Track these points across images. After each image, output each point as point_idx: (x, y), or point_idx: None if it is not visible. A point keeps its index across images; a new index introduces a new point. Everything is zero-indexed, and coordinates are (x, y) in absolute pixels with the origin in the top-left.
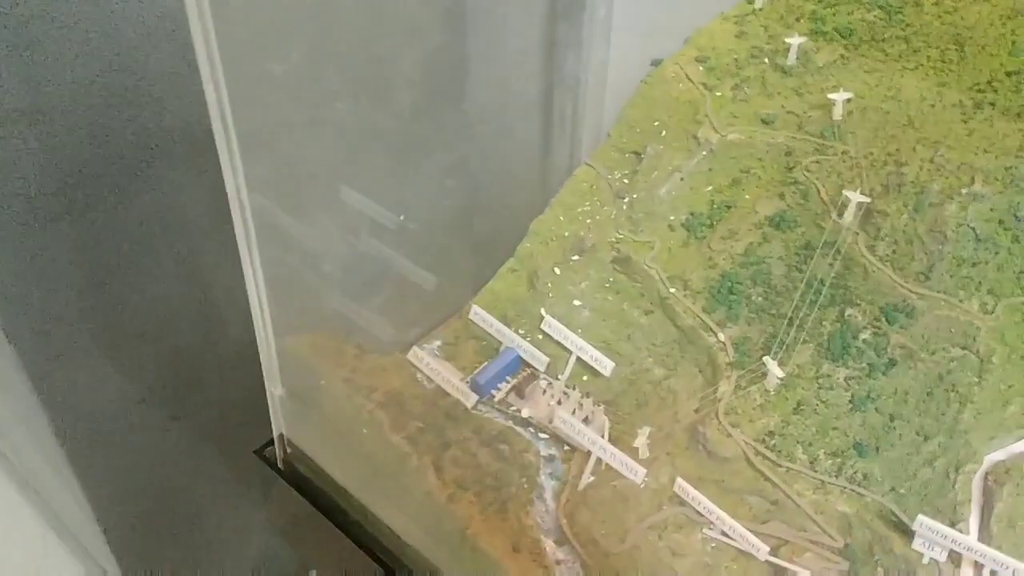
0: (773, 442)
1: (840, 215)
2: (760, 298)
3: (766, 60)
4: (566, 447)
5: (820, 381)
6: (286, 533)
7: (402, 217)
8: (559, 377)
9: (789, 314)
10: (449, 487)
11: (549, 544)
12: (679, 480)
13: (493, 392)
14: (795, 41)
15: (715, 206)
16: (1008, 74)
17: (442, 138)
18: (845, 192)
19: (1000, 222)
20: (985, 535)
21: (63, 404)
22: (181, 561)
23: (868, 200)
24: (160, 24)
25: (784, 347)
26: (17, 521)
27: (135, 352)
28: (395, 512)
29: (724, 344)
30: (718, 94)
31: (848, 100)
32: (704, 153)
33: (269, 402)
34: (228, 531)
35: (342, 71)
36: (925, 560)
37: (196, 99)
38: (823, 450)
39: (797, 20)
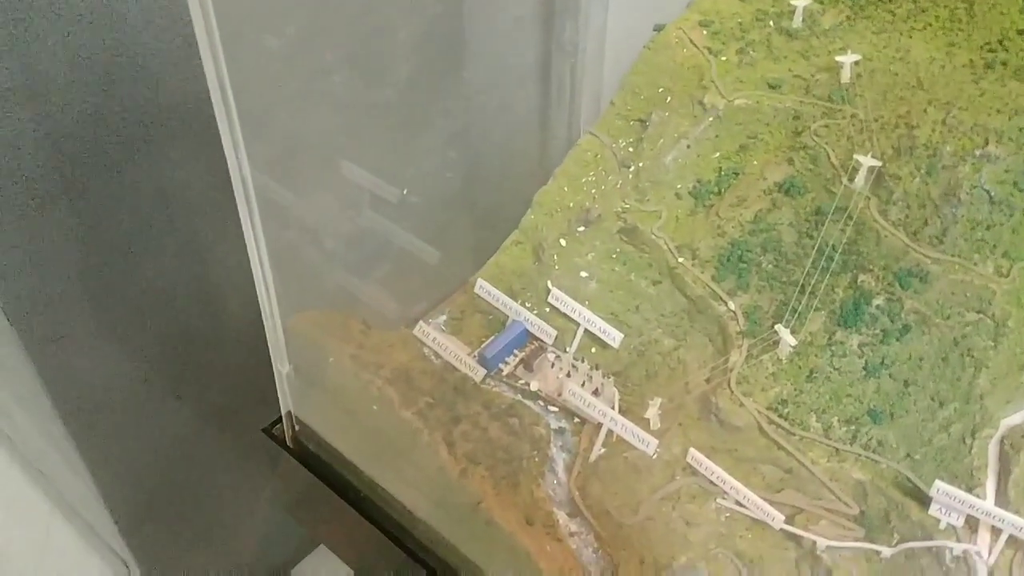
0: (786, 410)
1: (851, 180)
2: (771, 266)
3: (771, 23)
4: (576, 419)
5: (833, 348)
6: (295, 510)
7: (404, 191)
8: (567, 350)
9: (801, 281)
10: (461, 462)
11: (562, 516)
12: (691, 450)
13: (501, 366)
14: (800, 3)
15: (723, 173)
16: (1019, 32)
17: (441, 110)
18: (855, 156)
19: (1015, 183)
20: (1002, 500)
21: (67, 386)
22: (190, 539)
23: (879, 164)
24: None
25: (796, 315)
26: (23, 502)
27: (138, 332)
28: (406, 488)
29: (735, 313)
30: (723, 59)
31: (856, 62)
32: (710, 119)
33: (276, 380)
34: (237, 508)
35: (339, 44)
36: (942, 526)
37: (194, 76)
38: (837, 417)
39: None
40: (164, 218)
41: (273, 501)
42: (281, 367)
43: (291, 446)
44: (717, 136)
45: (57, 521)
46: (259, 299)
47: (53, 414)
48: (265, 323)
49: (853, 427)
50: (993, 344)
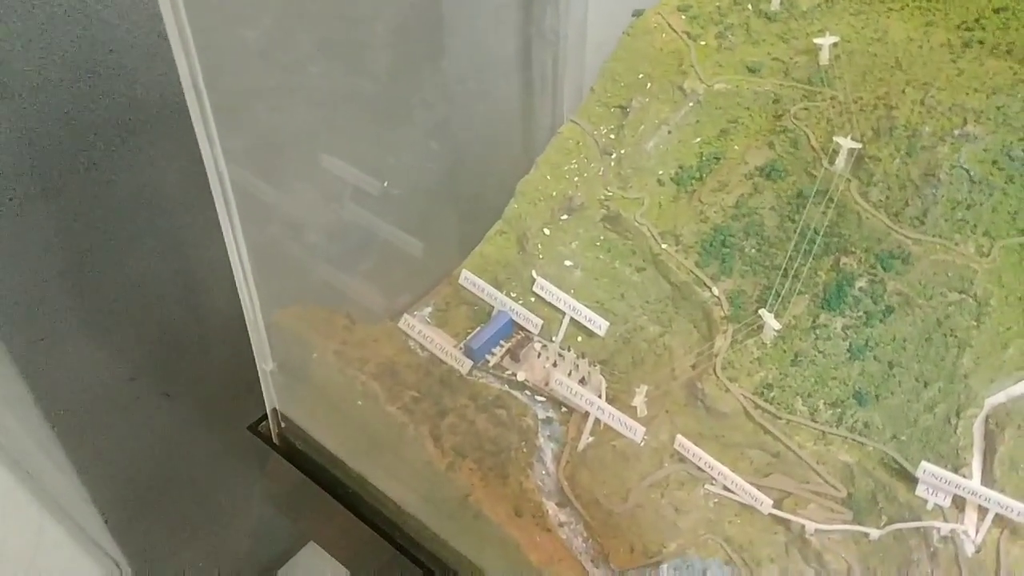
0: (772, 395)
1: (831, 162)
2: (753, 250)
3: (749, 6)
4: (563, 409)
5: (817, 331)
6: (284, 507)
7: (385, 183)
8: (553, 339)
9: (784, 265)
10: (448, 455)
11: (551, 507)
12: (679, 437)
13: (487, 357)
14: None
15: (704, 158)
16: (995, 10)
17: (421, 100)
18: (835, 138)
19: (994, 162)
20: (988, 479)
21: (51, 386)
22: (180, 537)
23: (859, 146)
24: None
25: (780, 299)
26: (12, 504)
27: (121, 331)
28: (394, 482)
29: (719, 298)
30: (702, 43)
31: (834, 44)
32: (691, 104)
33: (260, 377)
34: (225, 506)
35: (315, 34)
36: (929, 506)
37: (169, 70)
38: (823, 400)
39: None
40: (145, 215)
41: (262, 499)
42: (265, 364)
43: (277, 443)
44: (698, 121)
45: (47, 522)
46: (240, 296)
47: (39, 415)
48: (247, 320)
49: (839, 410)
50: (976, 323)
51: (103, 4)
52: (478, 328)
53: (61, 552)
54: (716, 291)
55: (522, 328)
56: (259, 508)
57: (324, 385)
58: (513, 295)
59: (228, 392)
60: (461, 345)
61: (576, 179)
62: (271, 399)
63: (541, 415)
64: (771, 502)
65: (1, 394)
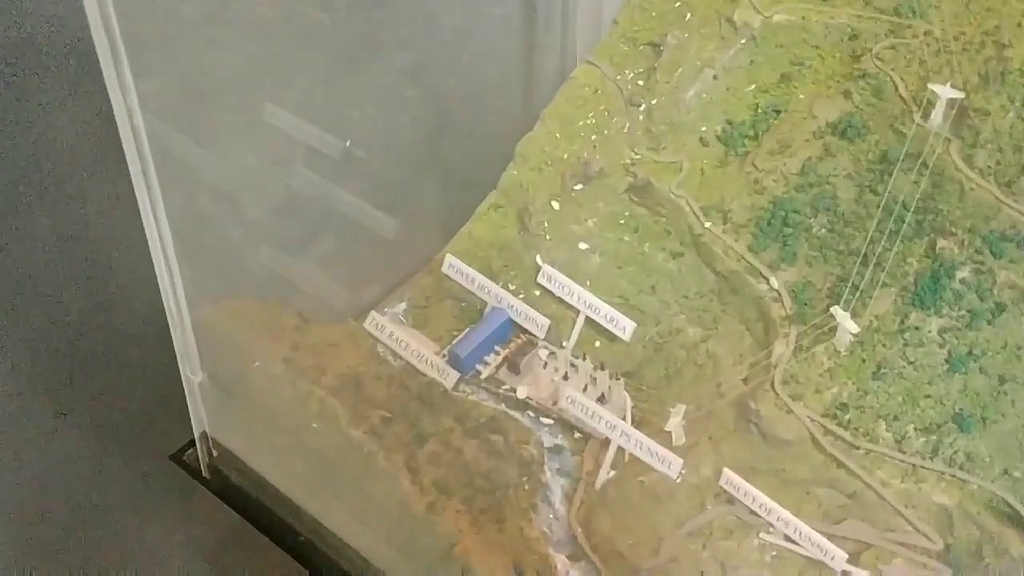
0: (847, 417)
1: (925, 117)
2: (824, 230)
3: None
4: (577, 434)
5: (906, 336)
6: (216, 558)
7: (348, 143)
8: (564, 344)
9: (863, 250)
10: (428, 493)
11: (561, 560)
12: (726, 471)
13: (479, 367)
14: None
15: (760, 111)
16: None
17: (395, 35)
18: (931, 86)
19: None
20: None
21: None
22: None
23: (962, 95)
24: None
25: (858, 293)
26: None
27: (8, 333)
28: (358, 528)
29: (778, 292)
30: None
31: None
32: (743, 41)
33: (187, 392)
34: (139, 559)
35: None
36: None
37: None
38: (913, 425)
39: None
40: (36, 182)
41: (187, 549)
42: (192, 375)
43: (207, 476)
44: (752, 63)
45: None
46: (161, 287)
47: None
48: (169, 318)
49: (934, 437)
50: None
51: None
52: (467, 330)
53: None
54: (775, 283)
55: (523, 330)
56: (184, 563)
57: (268, 402)
58: (512, 287)
59: (144, 411)
60: (445, 352)
61: (594, 138)
62: (200, 420)
63: (548, 442)
64: (846, 556)
65: None
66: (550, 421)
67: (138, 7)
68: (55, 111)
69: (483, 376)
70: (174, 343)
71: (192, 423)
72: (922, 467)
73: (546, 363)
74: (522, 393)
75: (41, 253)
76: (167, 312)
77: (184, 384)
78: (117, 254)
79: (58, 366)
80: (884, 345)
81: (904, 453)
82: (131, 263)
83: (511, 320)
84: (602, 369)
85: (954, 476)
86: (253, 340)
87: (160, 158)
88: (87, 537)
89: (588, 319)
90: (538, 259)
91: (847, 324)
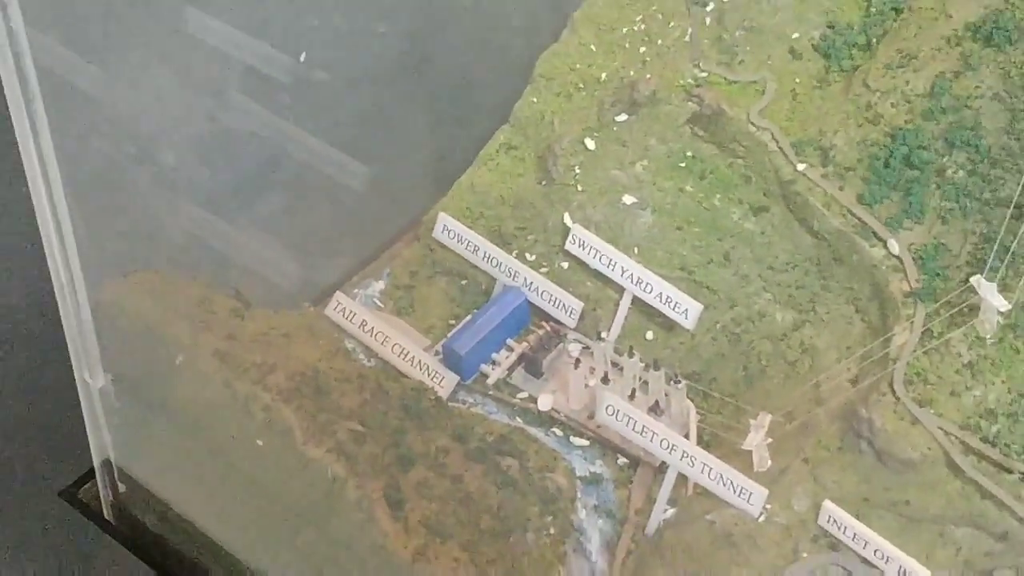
0: (995, 428)
1: None
2: (963, 172)
3: None
4: (621, 459)
5: None
6: None
7: (303, 57)
8: (603, 336)
9: (1016, 197)
10: (416, 534)
11: None
12: (827, 505)
13: (485, 368)
14: None
15: (874, 10)
16: None
17: None
18: None
19: None
20: None
21: None
22: None
23: None
24: None
25: (1010, 257)
26: None
27: None
28: None
29: (900, 260)
30: None
31: None
32: None
33: (84, 403)
34: None
35: None
36: None
37: None
38: None
39: None
40: None
41: None
42: (90, 378)
43: (111, 519)
44: None
45: None
46: (49, 261)
47: None
48: (60, 302)
49: None
50: None
51: None
52: (468, 317)
53: None
54: (895, 247)
55: (547, 317)
56: None
57: (195, 412)
58: (531, 258)
59: (28, 437)
60: (438, 348)
61: (643, 50)
62: (101, 443)
63: (581, 470)
64: None
65: None
66: (584, 442)
67: None
68: None
69: (491, 381)
70: (67, 335)
71: (91, 447)
72: None
73: (578, 362)
74: (545, 404)
75: None
76: (57, 293)
77: (80, 393)
78: None
79: None
80: None
81: None
82: (3, 236)
83: (528, 303)
84: (656, 369)
85: None
86: (174, 328)
87: (48, 84)
88: None
89: (636, 300)
90: (566, 218)
91: (994, 300)
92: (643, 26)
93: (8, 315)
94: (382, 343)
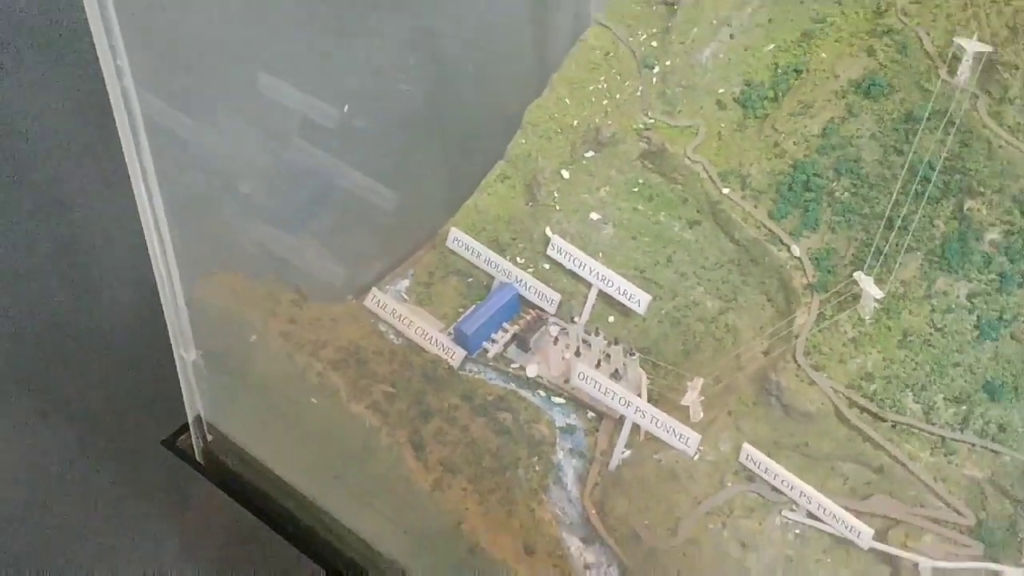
0: (873, 387)
1: (952, 72)
2: (847, 193)
3: None
4: (590, 414)
5: (934, 301)
6: (213, 551)
7: (346, 108)
8: (576, 320)
9: (888, 213)
10: (434, 470)
11: (574, 543)
12: (746, 447)
13: (486, 345)
14: None
15: (780, 71)
16: None
17: None
18: (957, 40)
19: None
20: None
21: None
22: None
23: (990, 49)
24: None
25: (882, 258)
26: None
27: None
28: (362, 510)
29: (800, 260)
30: None
31: None
32: None
33: (180, 373)
34: (133, 557)
35: None
36: None
37: None
38: (942, 395)
39: None
40: (12, 164)
41: (183, 547)
42: (185, 353)
43: (202, 462)
44: (770, 21)
45: None
46: (153, 263)
47: None
48: (162, 295)
49: (964, 407)
50: None
51: None
52: (473, 307)
53: None
54: (796, 250)
55: (533, 306)
56: (179, 556)
57: (266, 379)
58: (520, 261)
59: (133, 400)
60: (451, 330)
61: (605, 103)
62: (194, 403)
63: (559, 421)
64: (872, 532)
65: None
66: (562, 400)
67: None
68: (34, 89)
69: (490, 354)
70: (167, 321)
71: (186, 406)
72: (952, 439)
73: (557, 340)
74: (532, 371)
75: (20, 238)
76: (160, 289)
77: (177, 365)
78: (102, 234)
79: (35, 360)
80: (910, 312)
81: (933, 425)
82: (115, 246)
83: (519, 296)
84: (616, 344)
85: (986, 448)
86: (249, 315)
87: (151, 130)
88: (73, 544)
89: (601, 293)
90: (548, 231)
91: (871, 290)
92: (605, 85)
93: (122, 307)
94: (407, 326)
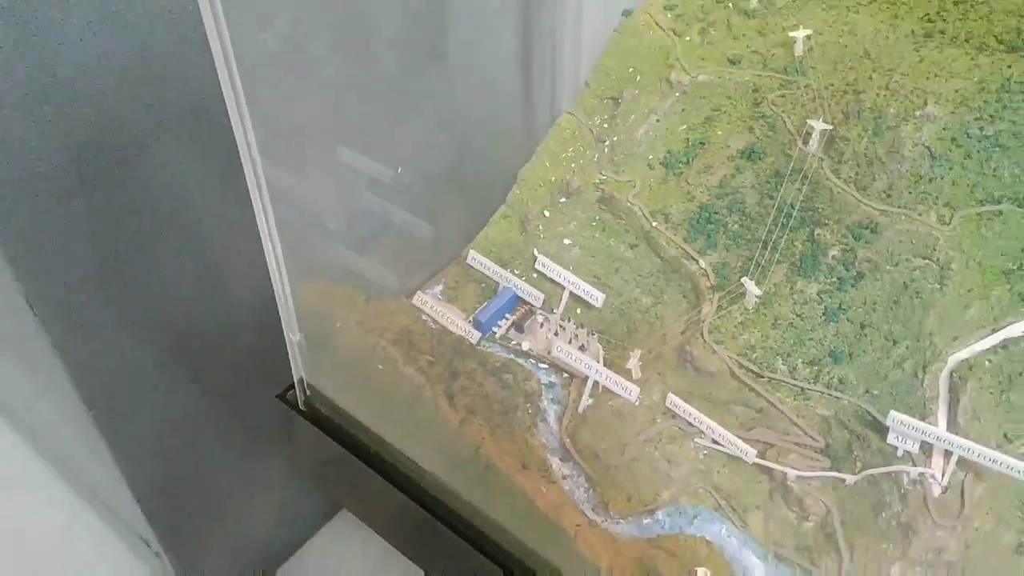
0: (755, 355)
1: (805, 143)
2: (736, 225)
3: (730, 4)
4: (565, 374)
5: (795, 297)
6: (311, 475)
7: (399, 170)
8: (554, 311)
9: (763, 238)
10: (460, 412)
11: (555, 461)
12: (670, 396)
13: (494, 329)
14: None
15: (690, 143)
16: (955, 3)
17: (429, 94)
18: (809, 121)
19: (952, 140)
20: (953, 427)
21: (87, 374)
22: (209, 516)
23: (831, 127)
24: (154, 4)
25: (760, 268)
26: (49, 491)
27: (152, 320)
28: (411, 440)
29: (705, 270)
30: (687, 39)
31: (808, 37)
32: (677, 95)
33: (288, 348)
34: (255, 477)
35: (328, 37)
36: (899, 453)
37: (195, 75)
38: (801, 359)
39: None
40: (169, 210)
41: (290, 470)
42: (293, 335)
43: (303, 410)
44: (684, 110)
45: (81, 506)
46: (270, 272)
47: (76, 402)
48: (276, 294)
49: (816, 367)
50: (939, 286)
51: (132, 14)
52: (485, 303)
53: (93, 533)
54: (703, 264)
55: (525, 302)
56: (288, 478)
57: (346, 352)
58: (517, 272)
59: (254, 371)
60: (470, 319)
61: (573, 165)
62: (298, 369)
63: (544, 380)
64: (755, 453)
65: (42, 383)
66: (545, 365)
67: (252, 80)
68: (185, 158)
69: (497, 335)
70: (279, 312)
71: (292, 371)
72: (808, 389)
73: (542, 324)
74: (525, 346)
75: (175, 259)
76: (275, 291)
77: (287, 343)
78: (228, 259)
79: (187, 343)
80: (779, 304)
81: (795, 380)
82: (239, 266)
83: (516, 295)
84: (582, 328)
85: (831, 395)
86: (335, 310)
87: (268, 184)
88: (215, 466)
89: (571, 293)
90: (535, 252)
91: (753, 290)
92: (573, 153)
93: (246, 303)
94: (441, 317)
